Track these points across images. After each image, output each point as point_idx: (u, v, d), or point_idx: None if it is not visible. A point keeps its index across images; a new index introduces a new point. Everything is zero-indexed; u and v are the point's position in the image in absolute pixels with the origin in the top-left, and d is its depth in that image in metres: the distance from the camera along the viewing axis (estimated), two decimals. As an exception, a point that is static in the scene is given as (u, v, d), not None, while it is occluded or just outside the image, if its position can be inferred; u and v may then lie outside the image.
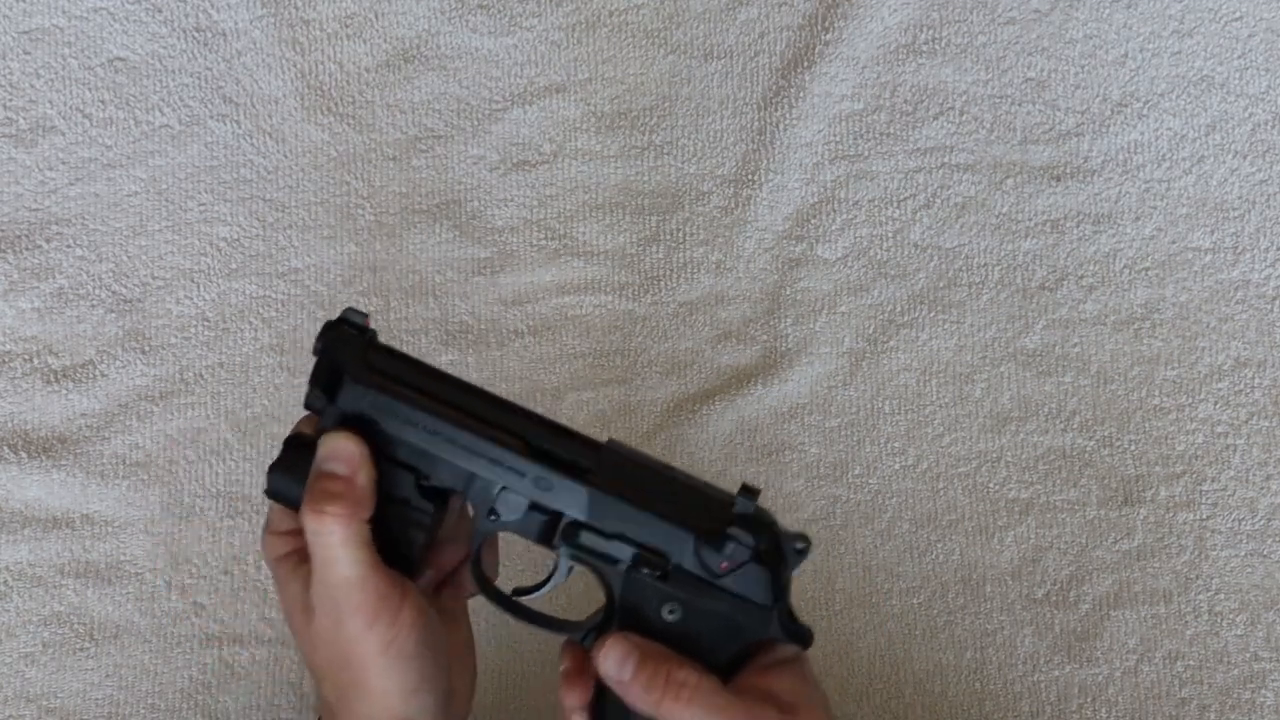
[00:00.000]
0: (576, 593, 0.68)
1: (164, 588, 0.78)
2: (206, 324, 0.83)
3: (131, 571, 0.78)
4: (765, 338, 0.84)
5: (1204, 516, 0.80)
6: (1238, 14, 0.90)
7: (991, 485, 0.81)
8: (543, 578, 0.60)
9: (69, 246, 0.85)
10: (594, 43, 0.89)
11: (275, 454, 0.81)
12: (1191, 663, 0.78)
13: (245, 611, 0.78)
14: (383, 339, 0.59)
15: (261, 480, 0.80)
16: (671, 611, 0.57)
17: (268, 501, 0.58)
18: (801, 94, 0.88)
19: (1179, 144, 0.88)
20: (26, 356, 0.82)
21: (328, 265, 0.85)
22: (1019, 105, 0.88)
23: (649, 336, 0.84)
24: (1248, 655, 0.78)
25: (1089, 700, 0.77)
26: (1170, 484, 0.81)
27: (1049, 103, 0.88)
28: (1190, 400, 0.83)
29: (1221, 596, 0.79)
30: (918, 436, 0.82)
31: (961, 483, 0.81)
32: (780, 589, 0.56)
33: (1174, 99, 0.89)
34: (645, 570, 0.56)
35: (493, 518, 0.57)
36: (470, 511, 0.59)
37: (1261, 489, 0.81)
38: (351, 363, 0.57)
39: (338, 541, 0.54)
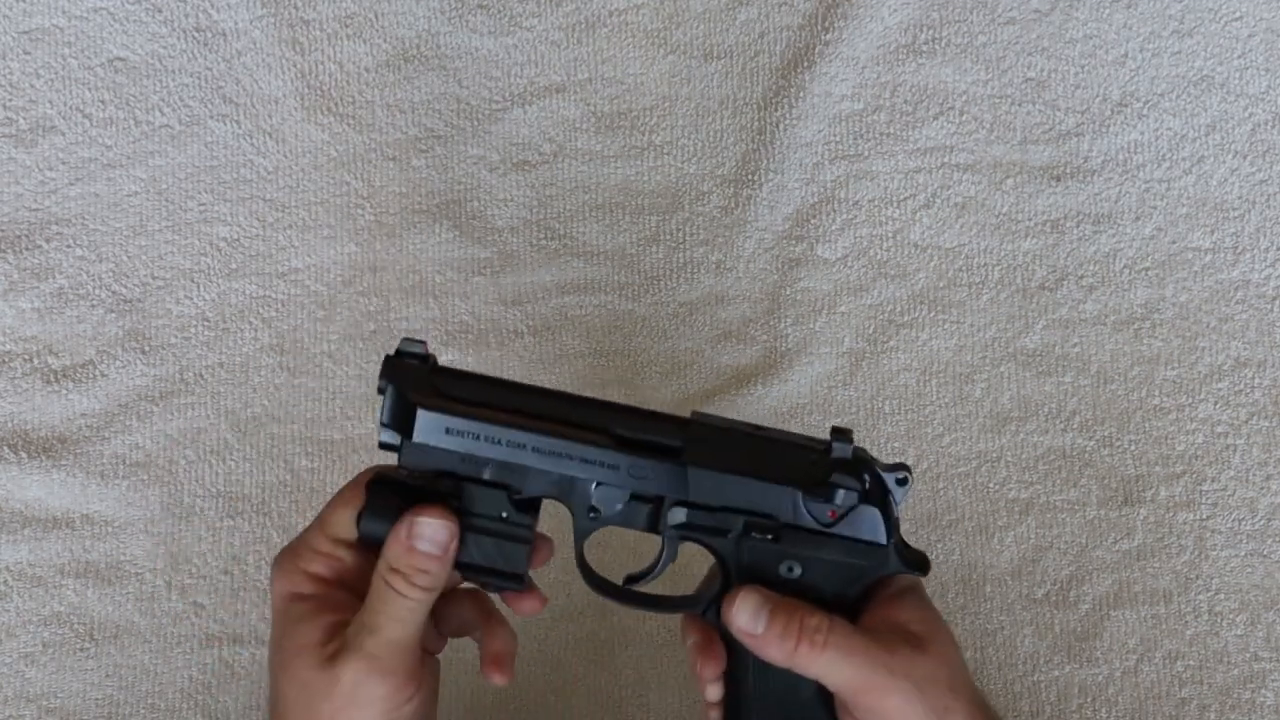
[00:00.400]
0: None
1: (164, 588, 0.78)
2: (206, 324, 0.83)
3: (131, 571, 0.78)
4: (765, 338, 0.84)
5: (1204, 516, 0.80)
6: (1238, 14, 0.90)
7: (991, 485, 0.81)
8: (649, 564, 0.60)
9: (69, 246, 0.85)
10: (594, 43, 0.89)
11: (274, 453, 0.81)
12: (1191, 663, 0.78)
13: (245, 611, 0.78)
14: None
15: (261, 479, 0.80)
16: (791, 569, 0.57)
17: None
18: (801, 94, 0.88)
19: (1179, 144, 0.88)
20: (26, 356, 0.82)
21: (328, 265, 0.85)
22: (1019, 105, 0.88)
23: (649, 337, 0.84)
24: (1248, 655, 0.78)
25: (1089, 700, 0.77)
26: (1170, 484, 0.81)
27: (1049, 103, 0.88)
28: (1190, 400, 0.83)
29: (1221, 596, 0.79)
30: (918, 436, 0.82)
31: (961, 483, 0.81)
32: (891, 524, 0.57)
33: (1174, 99, 0.89)
34: (756, 535, 0.57)
35: (593, 515, 0.57)
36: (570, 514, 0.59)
37: (1261, 489, 0.81)
38: (421, 393, 0.56)
39: (414, 607, 0.55)
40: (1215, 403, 0.83)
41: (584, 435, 0.57)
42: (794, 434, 0.59)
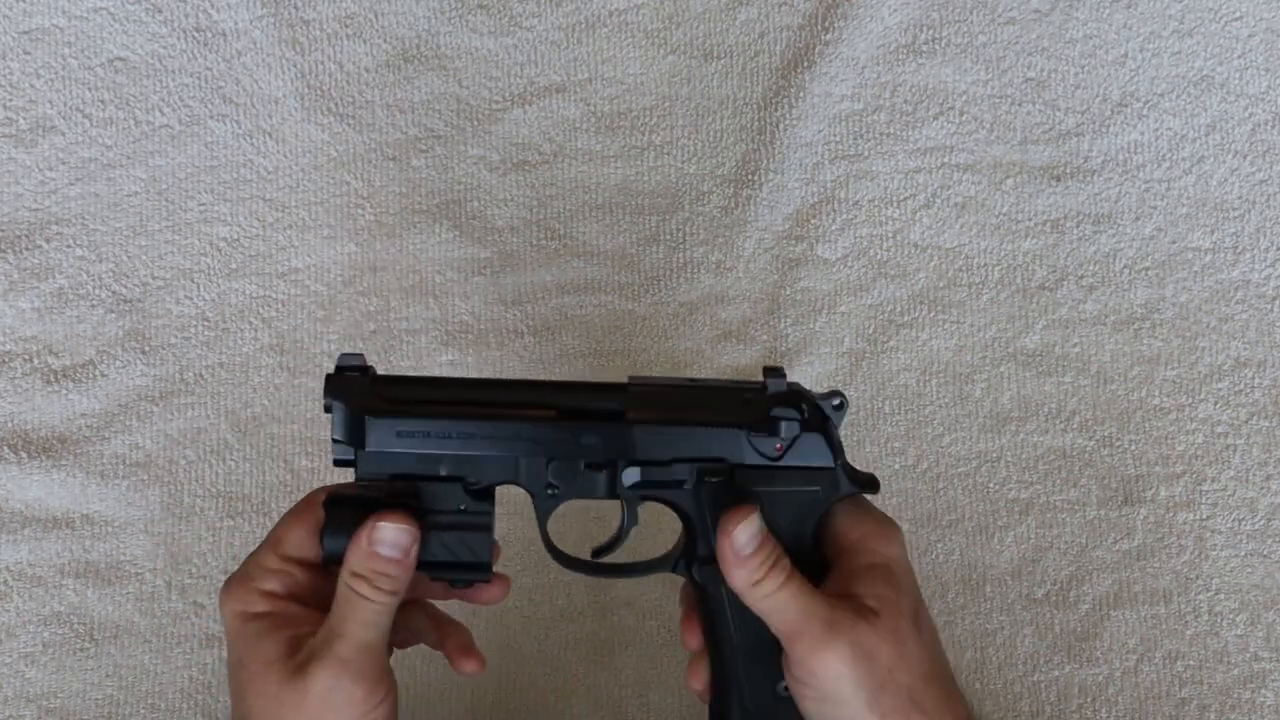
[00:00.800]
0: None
1: (164, 588, 0.78)
2: (206, 324, 0.83)
3: (131, 571, 0.78)
4: (765, 338, 0.84)
5: (1204, 516, 0.80)
6: (1238, 14, 0.90)
7: (991, 485, 0.81)
8: (610, 536, 0.62)
9: (69, 246, 0.85)
10: (594, 43, 0.89)
11: (274, 453, 0.81)
12: (1191, 663, 0.78)
13: (245, 611, 0.78)
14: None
15: (261, 479, 0.80)
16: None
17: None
18: (801, 94, 0.88)
19: (1179, 144, 0.88)
20: (26, 356, 0.82)
21: (328, 265, 0.85)
22: (1019, 105, 0.88)
23: (649, 336, 0.84)
24: (1248, 655, 0.78)
25: (1089, 700, 0.77)
26: (1170, 484, 0.81)
27: (1049, 103, 0.88)
28: (1190, 400, 0.83)
29: (1221, 596, 0.79)
30: (918, 436, 0.82)
31: (961, 483, 0.81)
32: (836, 447, 0.59)
33: (1174, 99, 0.89)
34: (710, 479, 0.58)
35: (551, 492, 0.59)
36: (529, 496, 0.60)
37: (1261, 489, 0.81)
38: (367, 403, 0.58)
39: (379, 610, 0.55)
40: (1215, 403, 0.83)
41: (530, 415, 0.59)
42: (731, 380, 0.61)
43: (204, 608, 0.78)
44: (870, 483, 0.61)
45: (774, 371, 0.60)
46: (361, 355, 0.59)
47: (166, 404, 0.82)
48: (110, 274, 0.84)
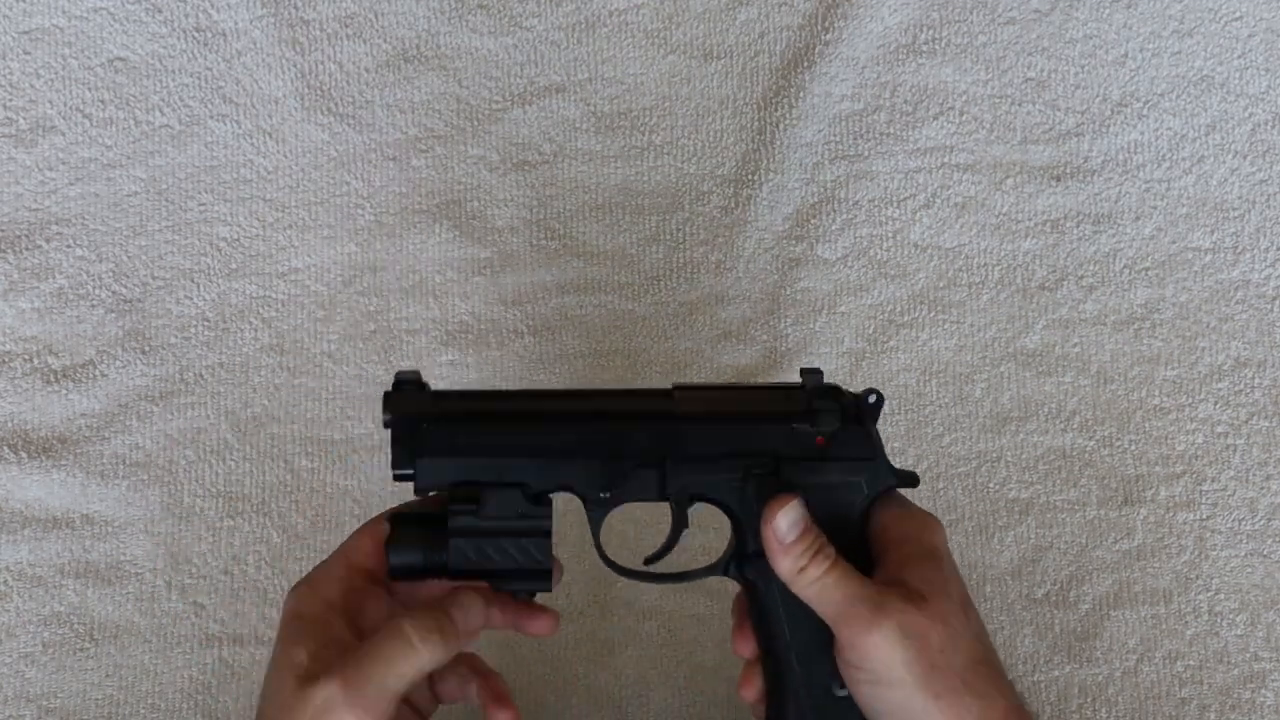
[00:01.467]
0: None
1: (164, 588, 0.78)
2: (206, 324, 0.83)
3: (131, 571, 0.78)
4: (765, 338, 0.84)
5: (1204, 516, 0.80)
6: (1238, 14, 0.90)
7: (991, 485, 0.81)
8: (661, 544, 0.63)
9: (69, 246, 0.85)
10: (594, 43, 0.89)
11: (274, 453, 0.81)
12: (1191, 663, 0.78)
13: (245, 611, 0.78)
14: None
15: (261, 479, 0.80)
16: None
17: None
18: (801, 94, 0.88)
19: (1179, 144, 0.88)
20: (26, 356, 0.82)
21: (328, 265, 0.85)
22: (1019, 105, 0.88)
23: (649, 337, 0.84)
24: (1248, 655, 0.78)
25: (1089, 700, 0.77)
26: (1170, 484, 0.81)
27: (1049, 103, 0.88)
28: (1190, 400, 0.83)
29: (1221, 596, 0.79)
30: (918, 436, 0.82)
31: (961, 483, 0.81)
32: (876, 441, 0.61)
33: (1174, 99, 0.89)
34: (756, 472, 0.60)
35: (605, 495, 0.60)
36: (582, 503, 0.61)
37: (1261, 489, 0.81)
38: (428, 414, 0.60)
39: (411, 659, 0.55)
40: (1215, 403, 0.83)
41: (582, 415, 0.61)
42: (771, 383, 0.64)
43: (204, 608, 0.78)
44: (910, 478, 0.62)
45: (812, 372, 0.62)
46: (417, 372, 0.61)
47: (166, 404, 0.82)
48: (110, 274, 0.84)
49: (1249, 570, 0.79)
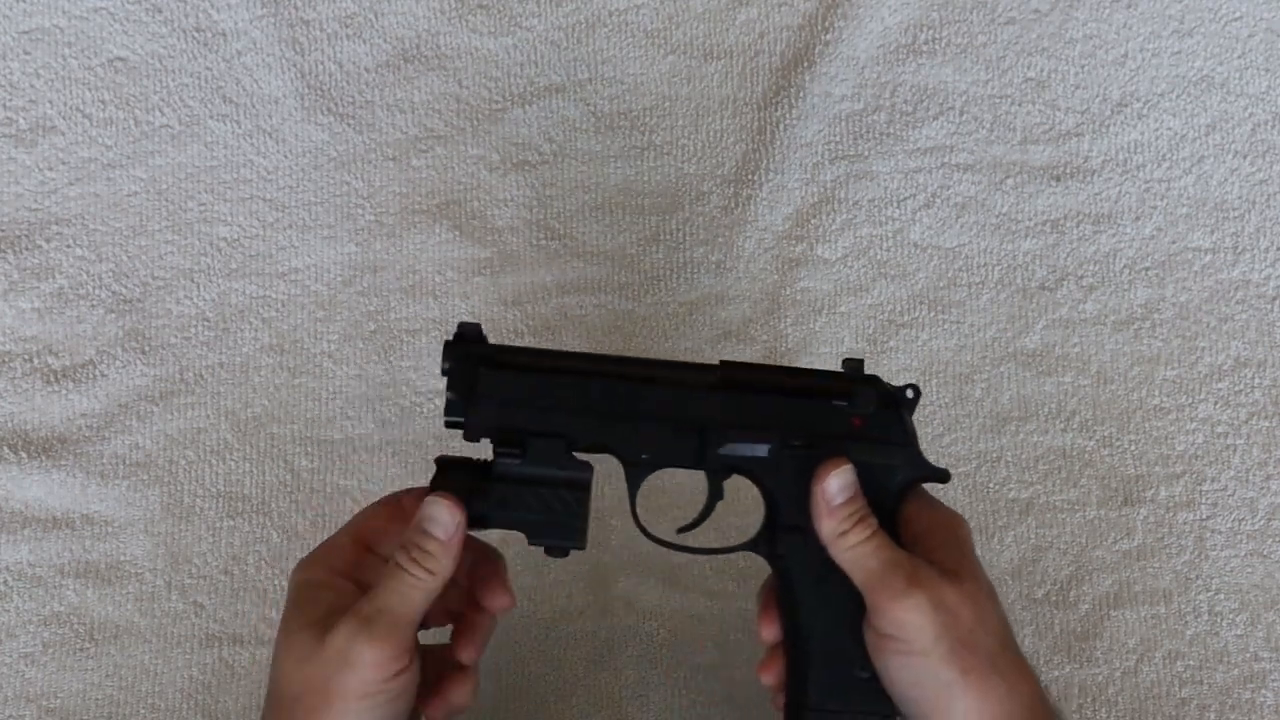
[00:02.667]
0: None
1: (164, 588, 0.78)
2: (206, 324, 0.83)
3: (131, 571, 0.78)
4: (765, 338, 0.84)
5: (1204, 516, 0.80)
6: (1238, 14, 0.90)
7: (991, 485, 0.81)
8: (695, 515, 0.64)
9: (69, 246, 0.85)
10: (594, 43, 0.89)
11: (274, 453, 0.81)
12: (1191, 663, 0.78)
13: (245, 611, 0.78)
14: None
15: (261, 479, 0.80)
16: None
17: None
18: (801, 94, 0.88)
19: (1179, 144, 0.88)
20: (26, 356, 0.82)
21: (328, 265, 0.85)
22: (1019, 105, 0.88)
23: (649, 337, 0.84)
24: (1248, 655, 0.78)
25: (1089, 700, 0.77)
26: (1170, 484, 0.81)
27: (1049, 103, 0.88)
28: (1190, 400, 0.83)
29: (1221, 596, 0.79)
30: (918, 436, 0.82)
31: (961, 483, 0.81)
32: (910, 431, 0.63)
33: (1174, 99, 0.89)
34: (795, 444, 0.61)
35: (645, 457, 0.61)
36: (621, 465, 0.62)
37: (1261, 489, 0.81)
38: (483, 359, 0.61)
39: (415, 584, 0.57)
40: (1215, 403, 0.83)
41: (630, 375, 0.62)
42: (813, 368, 0.66)
43: (204, 608, 0.78)
44: (942, 473, 0.63)
45: (853, 361, 0.64)
46: (479, 325, 0.62)
47: (166, 404, 0.82)
48: (110, 274, 0.84)
49: (1249, 570, 0.79)
